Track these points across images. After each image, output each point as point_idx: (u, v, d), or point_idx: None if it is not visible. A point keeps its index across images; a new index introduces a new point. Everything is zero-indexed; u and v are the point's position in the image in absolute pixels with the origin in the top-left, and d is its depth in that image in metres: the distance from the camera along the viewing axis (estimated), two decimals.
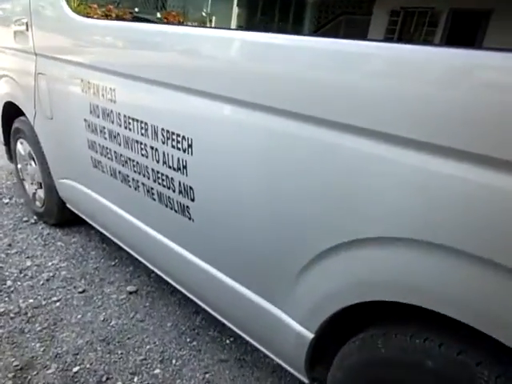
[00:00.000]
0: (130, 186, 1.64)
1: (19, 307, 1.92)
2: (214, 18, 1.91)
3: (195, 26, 1.27)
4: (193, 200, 1.35)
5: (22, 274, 2.14)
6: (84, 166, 1.89)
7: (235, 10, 1.69)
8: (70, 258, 2.29)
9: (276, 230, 1.12)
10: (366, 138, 0.86)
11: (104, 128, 1.64)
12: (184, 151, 1.31)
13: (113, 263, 2.26)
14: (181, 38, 1.28)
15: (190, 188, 1.34)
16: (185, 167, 1.33)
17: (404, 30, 1.43)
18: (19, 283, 2.08)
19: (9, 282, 2.08)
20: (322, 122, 0.93)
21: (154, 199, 1.53)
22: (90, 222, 2.19)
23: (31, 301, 1.97)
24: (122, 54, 1.51)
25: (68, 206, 2.32)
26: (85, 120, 1.75)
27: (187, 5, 2.04)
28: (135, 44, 1.46)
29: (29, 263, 2.23)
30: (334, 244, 0.98)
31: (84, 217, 2.19)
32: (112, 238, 2.05)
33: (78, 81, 1.72)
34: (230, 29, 1.32)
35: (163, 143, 1.38)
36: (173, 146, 1.34)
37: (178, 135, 1.31)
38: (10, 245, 2.37)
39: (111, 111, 1.57)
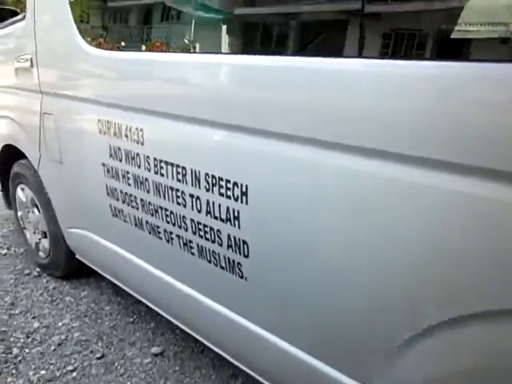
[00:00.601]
0: (160, 238, 1.42)
1: (30, 381, 1.67)
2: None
3: (254, 53, 1.08)
4: (246, 256, 1.14)
5: (30, 339, 1.89)
6: (101, 214, 1.68)
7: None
8: (83, 316, 2.04)
9: (367, 298, 0.92)
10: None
11: (128, 173, 1.44)
12: (236, 200, 1.11)
13: (131, 319, 2.02)
14: (232, 68, 1.10)
15: (244, 242, 1.13)
16: (236, 218, 1.12)
17: None
18: (27, 350, 1.83)
19: (15, 350, 1.82)
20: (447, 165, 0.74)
21: (193, 253, 1.31)
22: (105, 275, 1.95)
23: (43, 372, 1.72)
24: (151, 89, 1.32)
25: (78, 257, 2.08)
26: (103, 164, 1.54)
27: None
28: (169, 78, 1.27)
29: (36, 324, 1.98)
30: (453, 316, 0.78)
31: (98, 269, 1.96)
32: (129, 291, 1.82)
33: (95, 121, 1.52)
34: (291, 54, 1.13)
35: (207, 191, 1.17)
36: (221, 194, 1.14)
37: (228, 181, 1.11)
38: (12, 303, 2.12)
39: (137, 154, 1.37)
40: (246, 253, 1.14)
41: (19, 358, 1.78)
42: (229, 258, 1.20)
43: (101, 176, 1.58)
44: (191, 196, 1.24)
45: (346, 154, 0.88)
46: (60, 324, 1.99)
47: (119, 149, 1.45)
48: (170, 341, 1.88)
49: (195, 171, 1.20)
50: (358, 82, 0.86)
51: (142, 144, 1.35)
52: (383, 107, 0.81)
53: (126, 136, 1.40)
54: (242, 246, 1.15)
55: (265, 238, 1.10)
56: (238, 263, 1.18)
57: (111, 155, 1.49)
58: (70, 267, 2.23)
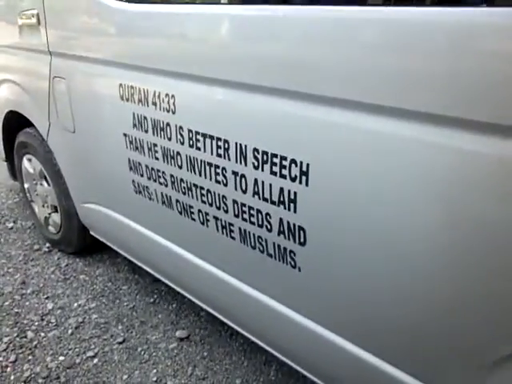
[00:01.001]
0: (192, 219, 1.27)
1: (48, 368, 1.56)
2: None
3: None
4: (302, 244, 0.99)
5: (45, 322, 1.77)
6: (121, 190, 1.52)
7: None
8: (99, 296, 1.91)
9: (459, 300, 0.77)
10: None
11: (155, 146, 1.27)
12: (293, 180, 0.95)
13: (151, 300, 1.89)
14: (300, 21, 0.91)
15: (300, 228, 0.98)
16: (292, 201, 0.97)
17: None
18: (43, 334, 1.71)
19: (30, 334, 1.70)
20: None
21: (233, 237, 1.17)
22: (123, 253, 1.81)
23: (62, 358, 1.60)
24: (186, 49, 1.13)
25: (92, 233, 1.93)
26: (125, 135, 1.37)
27: None
28: (209, 35, 1.08)
29: (50, 306, 1.86)
30: None
31: (115, 247, 1.82)
32: (149, 270, 1.68)
33: (115, 86, 1.34)
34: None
35: (256, 168, 1.01)
36: (273, 173, 0.98)
37: (284, 158, 0.95)
38: (23, 282, 1.99)
39: (167, 125, 1.20)
40: (302, 240, 0.99)
41: (35, 343, 1.66)
42: (279, 246, 1.06)
43: (122, 148, 1.41)
44: (235, 174, 1.08)
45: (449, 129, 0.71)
46: (76, 305, 1.86)
47: (145, 118, 1.27)
48: (195, 324, 1.76)
49: (241, 146, 1.03)
50: None
51: (174, 113, 1.18)
52: None
53: (154, 104, 1.22)
54: (297, 232, 1.00)
55: (327, 225, 0.94)
56: (291, 251, 1.03)
57: (135, 125, 1.32)
58: (82, 243, 2.09)
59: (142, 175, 1.39)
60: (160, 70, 1.20)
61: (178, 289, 1.60)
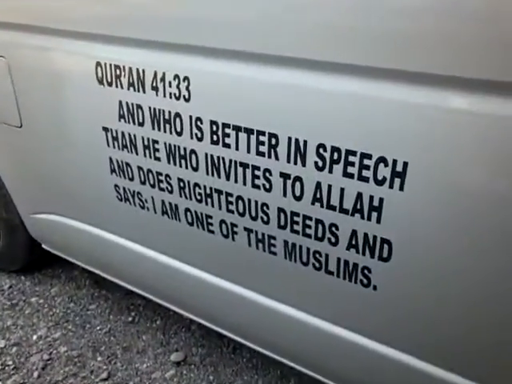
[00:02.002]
0: (210, 232, 1.02)
1: None
2: None
3: None
4: (385, 259, 0.80)
5: (1, 366, 1.41)
6: (96, 197, 1.21)
7: None
8: (63, 322, 1.59)
9: None
10: None
11: (156, 143, 0.99)
12: (380, 183, 0.74)
13: (129, 318, 1.61)
14: None
15: (384, 242, 0.79)
16: (376, 209, 0.77)
17: None
18: None
19: None
20: None
21: (274, 253, 0.94)
22: (93, 269, 1.49)
23: None
24: (207, 15, 0.85)
25: (46, 247, 1.58)
26: (105, 129, 1.06)
27: None
28: None
29: (1, 343, 1.49)
30: None
31: (81, 263, 1.49)
32: (129, 287, 1.40)
33: (89, 66, 1.02)
34: None
35: (320, 169, 0.80)
36: (347, 175, 0.77)
37: (367, 156, 0.74)
38: None
39: (177, 116, 0.92)
40: (385, 255, 0.80)
41: None
42: (346, 262, 0.86)
43: (100, 146, 1.10)
44: (284, 177, 0.85)
45: None
46: (35, 338, 1.52)
47: (139, 107, 0.98)
48: (188, 341, 1.52)
49: (297, 141, 0.80)
50: None
51: (187, 100, 0.90)
52: None
53: (155, 88, 0.94)
54: (379, 246, 0.80)
55: (420, 237, 0.76)
56: (365, 268, 0.84)
57: (122, 117, 1.02)
58: (29, 259, 1.72)
59: (131, 179, 1.09)
60: (164, 44, 0.91)
61: (167, 303, 1.35)
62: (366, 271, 0.84)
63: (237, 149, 0.88)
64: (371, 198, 0.77)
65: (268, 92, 0.82)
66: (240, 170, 0.90)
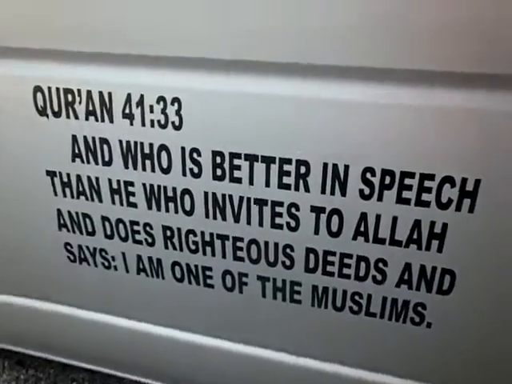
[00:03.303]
0: (207, 286, 0.83)
1: None
2: None
3: None
4: (446, 292, 0.70)
5: None
6: (42, 262, 0.93)
7: None
8: None
9: None
10: None
11: (131, 185, 0.78)
12: (444, 207, 0.64)
13: None
14: None
15: (446, 272, 0.68)
16: (438, 236, 0.66)
17: None
18: None
19: None
20: None
21: (298, 301, 0.79)
22: (49, 357, 1.18)
23: None
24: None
25: None
26: (52, 174, 0.81)
27: None
28: None
29: None
30: None
31: (26, 350, 1.17)
32: (105, 370, 1.13)
33: (26, 90, 0.77)
34: None
35: (366, 198, 0.67)
36: (402, 201, 0.65)
37: (429, 177, 0.63)
38: None
39: (163, 148, 0.73)
40: (445, 287, 0.69)
41: None
42: (394, 300, 0.73)
43: (43, 196, 0.84)
44: (317, 211, 0.70)
45: None
46: None
47: (105, 142, 0.75)
48: None
49: (336, 167, 0.66)
50: None
51: (178, 128, 0.71)
52: None
53: (128, 116, 0.72)
54: (438, 278, 0.69)
55: (487, 265, 0.67)
56: (419, 304, 0.72)
57: (78, 156, 0.78)
58: None
59: (90, 233, 0.85)
60: (141, 58, 0.70)
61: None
62: (419, 308, 0.73)
63: (251, 183, 0.71)
64: (432, 224, 0.66)
65: (293, 110, 0.66)
66: (255, 208, 0.73)
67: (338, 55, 0.60)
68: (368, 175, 0.65)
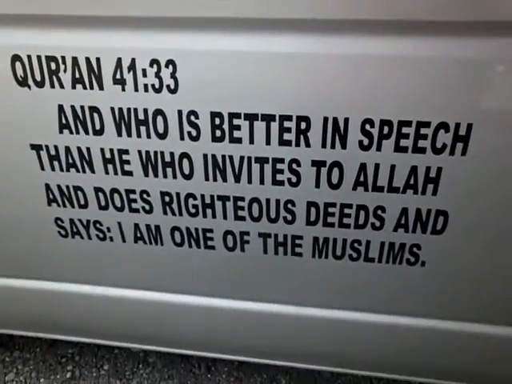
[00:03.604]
0: (208, 248, 0.85)
1: None
2: None
3: None
4: (439, 232, 0.76)
5: None
6: (32, 240, 0.91)
7: None
8: None
9: None
10: None
11: (125, 153, 0.77)
12: (439, 151, 0.70)
13: (68, 375, 1.31)
14: None
15: (440, 213, 0.75)
16: (433, 180, 0.72)
17: None
18: None
19: None
20: None
21: (299, 254, 0.83)
22: (42, 335, 1.16)
23: None
24: None
25: None
26: (37, 147, 0.78)
27: None
28: None
29: None
30: None
31: (19, 331, 1.14)
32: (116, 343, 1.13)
33: (3, 61, 0.72)
34: None
35: (365, 149, 0.71)
36: (400, 149, 0.70)
37: (425, 124, 0.68)
38: None
39: (159, 113, 0.72)
40: (439, 227, 0.76)
41: None
42: (391, 244, 0.79)
43: (29, 171, 0.81)
44: (317, 164, 0.73)
45: None
46: None
47: (95, 110, 0.73)
48: (152, 377, 1.30)
49: (336, 121, 0.68)
50: None
51: (174, 91, 0.70)
52: None
53: (119, 81, 0.70)
54: (433, 219, 0.75)
55: (478, 204, 0.73)
56: (415, 245, 0.79)
57: (66, 126, 0.75)
58: None
59: (83, 205, 0.84)
60: (131, 19, 0.67)
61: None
62: (414, 249, 0.78)
63: (251, 142, 0.72)
64: (427, 169, 0.71)
65: (291, 67, 0.67)
66: (256, 167, 0.74)
67: (336, 8, 0.61)
68: (367, 126, 0.68)
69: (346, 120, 0.68)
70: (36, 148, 0.78)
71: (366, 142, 0.69)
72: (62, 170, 0.80)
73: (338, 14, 0.61)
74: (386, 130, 0.67)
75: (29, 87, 0.73)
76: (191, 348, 1.06)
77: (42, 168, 0.80)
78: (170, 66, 0.68)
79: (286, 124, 0.69)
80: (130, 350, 1.32)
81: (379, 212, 0.75)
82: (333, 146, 0.70)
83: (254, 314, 0.91)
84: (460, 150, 0.67)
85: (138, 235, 0.86)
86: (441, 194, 0.71)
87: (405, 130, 0.67)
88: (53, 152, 0.78)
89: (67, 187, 0.82)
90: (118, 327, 1.04)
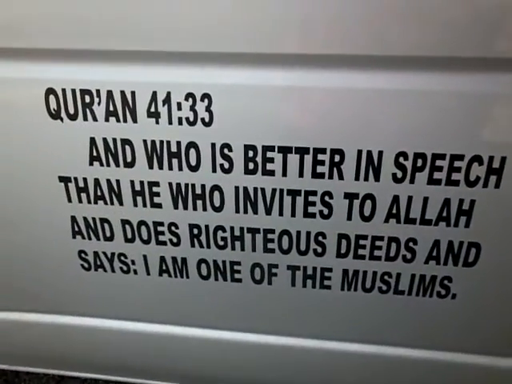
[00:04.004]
0: (237, 281, 0.84)
1: None
2: None
3: None
4: (471, 264, 0.76)
5: None
6: (54, 273, 0.89)
7: None
8: None
9: None
10: None
11: (156, 185, 0.76)
12: (472, 184, 0.71)
13: None
14: None
15: (473, 246, 0.75)
16: (466, 213, 0.72)
17: None
18: None
19: None
20: None
21: (327, 286, 0.82)
22: (55, 372, 1.12)
23: None
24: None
25: None
26: (65, 180, 0.78)
27: None
28: None
29: None
30: None
31: (35, 368, 1.11)
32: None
33: (37, 94, 0.73)
34: None
35: (398, 181, 0.71)
36: (433, 182, 0.71)
37: (459, 157, 0.67)
38: None
39: (192, 146, 0.73)
40: (471, 260, 0.75)
41: None
42: (422, 276, 0.78)
43: (56, 203, 0.80)
44: (350, 197, 0.73)
45: None
46: None
47: (128, 143, 0.73)
48: None
49: (370, 154, 0.69)
50: None
51: (208, 124, 0.71)
52: None
53: (154, 115, 0.71)
54: (465, 251, 0.76)
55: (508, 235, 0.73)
56: (446, 278, 0.79)
57: (96, 159, 0.75)
58: None
59: (108, 238, 0.83)
60: (167, 54, 0.68)
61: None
62: (446, 281, 0.78)
63: (284, 175, 0.72)
64: (460, 201, 0.71)
65: (327, 101, 0.68)
66: (288, 199, 0.74)
67: (370, 45, 0.62)
68: (401, 159, 0.68)
69: (380, 153, 0.68)
70: (64, 180, 0.78)
71: (399, 174, 0.69)
72: (89, 202, 0.79)
73: (363, 50, 0.63)
74: (419, 162, 0.68)
75: (61, 120, 0.73)
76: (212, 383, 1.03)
77: (69, 200, 0.79)
78: (206, 100, 0.69)
79: (320, 157, 0.70)
80: None
81: (411, 244, 0.75)
82: (366, 179, 0.70)
83: (280, 349, 0.90)
84: (493, 182, 0.68)
85: (164, 268, 0.84)
86: (474, 227, 0.72)
87: (438, 162, 0.68)
88: (81, 184, 0.78)
89: (93, 219, 0.81)
90: (133, 361, 1.01)
